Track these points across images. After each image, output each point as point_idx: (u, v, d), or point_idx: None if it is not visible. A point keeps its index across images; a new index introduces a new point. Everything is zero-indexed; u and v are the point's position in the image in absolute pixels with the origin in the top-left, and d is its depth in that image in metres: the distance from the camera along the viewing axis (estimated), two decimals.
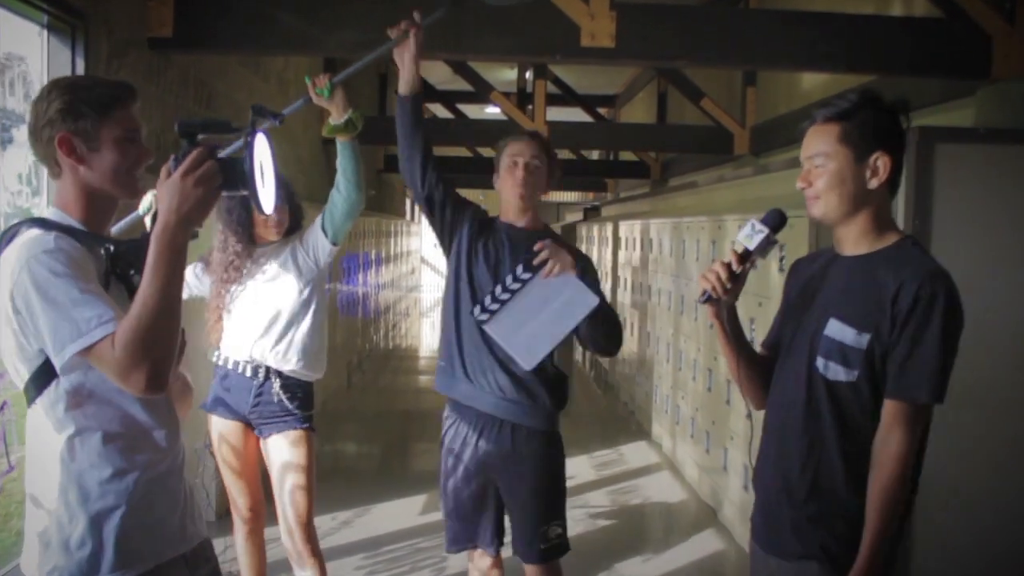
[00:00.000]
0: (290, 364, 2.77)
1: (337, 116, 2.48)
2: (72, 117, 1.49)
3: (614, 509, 4.65)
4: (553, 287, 2.36)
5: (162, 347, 1.36)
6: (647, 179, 9.83)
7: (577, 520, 4.34)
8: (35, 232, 1.46)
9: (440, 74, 9.97)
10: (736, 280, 1.75)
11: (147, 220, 2.80)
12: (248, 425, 2.81)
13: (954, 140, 3.03)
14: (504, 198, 2.55)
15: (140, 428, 1.53)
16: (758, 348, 1.91)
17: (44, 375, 1.46)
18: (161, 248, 1.37)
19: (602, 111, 11.55)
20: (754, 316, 3.74)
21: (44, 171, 3.20)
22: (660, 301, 5.91)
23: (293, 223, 2.84)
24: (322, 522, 4.09)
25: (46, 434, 1.50)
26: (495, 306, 2.37)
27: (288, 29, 3.87)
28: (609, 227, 8.33)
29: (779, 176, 5.29)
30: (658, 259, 6.07)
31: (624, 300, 7.50)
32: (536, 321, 2.35)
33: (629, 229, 7.37)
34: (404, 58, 2.36)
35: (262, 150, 1.46)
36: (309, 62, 6.78)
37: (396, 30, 2.33)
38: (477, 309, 2.38)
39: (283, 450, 2.76)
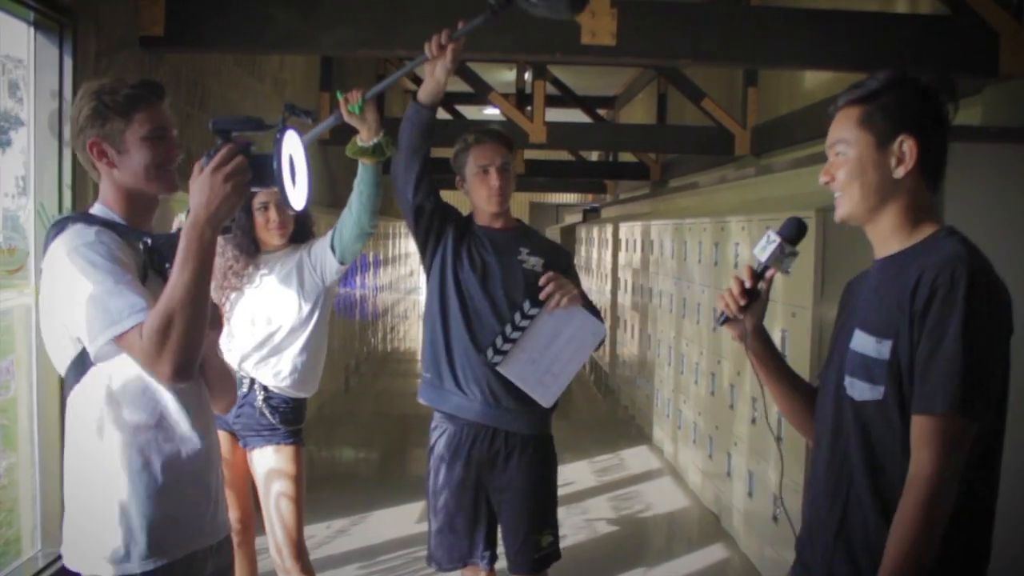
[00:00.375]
0: (276, 380, 2.66)
1: (367, 137, 2.34)
2: (100, 121, 1.55)
3: (615, 516, 4.57)
4: (561, 319, 2.35)
5: (188, 337, 1.40)
6: (647, 180, 9.76)
7: (577, 528, 4.27)
8: (79, 226, 1.53)
9: None
10: (753, 297, 1.61)
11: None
12: (234, 435, 2.71)
13: (964, 139, 2.96)
14: (479, 206, 2.50)
15: (170, 418, 1.57)
16: (813, 380, 1.72)
17: (81, 363, 1.52)
18: (190, 242, 1.41)
19: (601, 112, 11.48)
20: (786, 328, 3.58)
21: (33, 174, 3.15)
22: (661, 303, 5.84)
23: (300, 228, 2.73)
24: (317, 530, 4.03)
25: (81, 423, 1.56)
26: (507, 346, 2.34)
27: (283, 27, 3.80)
28: (609, 229, 8.26)
29: (782, 177, 5.22)
30: (659, 261, 5.99)
31: (624, 302, 7.43)
32: (548, 356, 2.35)
33: (629, 231, 7.30)
34: (436, 69, 2.26)
35: (293, 147, 1.49)
36: (306, 61, 6.71)
37: (433, 44, 2.22)
38: (490, 353, 2.35)
39: (267, 464, 2.67)
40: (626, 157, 10.47)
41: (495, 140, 2.48)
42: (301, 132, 1.51)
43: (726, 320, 1.63)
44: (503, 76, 9.98)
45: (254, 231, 2.66)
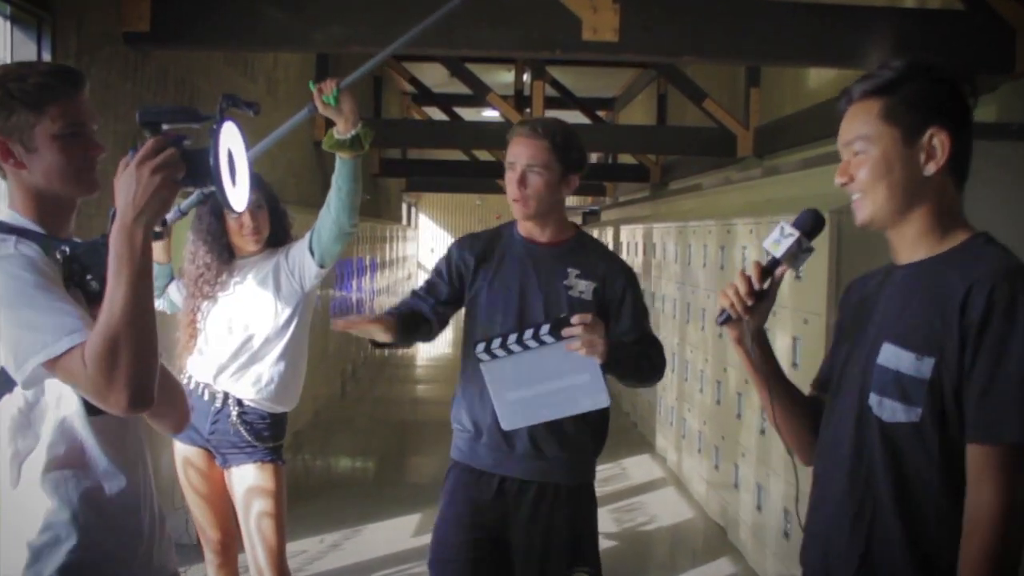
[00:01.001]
0: (251, 394, 2.51)
1: (344, 129, 2.18)
2: (4, 114, 1.33)
3: (617, 530, 4.42)
4: (571, 363, 2.00)
5: (140, 359, 1.21)
6: (647, 183, 9.64)
7: None
8: None
9: (436, 77, 9.81)
10: (760, 297, 1.45)
11: (155, 246, 2.57)
12: (210, 452, 2.57)
13: (985, 136, 2.82)
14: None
15: (90, 453, 1.37)
16: (805, 386, 1.58)
17: None
18: (120, 249, 1.21)
19: (601, 114, 11.36)
20: (798, 335, 3.41)
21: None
22: (664, 308, 5.70)
23: (277, 232, 2.57)
24: (309, 545, 3.89)
25: None
26: (501, 353, 2.03)
27: (273, 24, 3.68)
28: (610, 231, 8.13)
29: (788, 178, 5.09)
30: (662, 264, 5.86)
31: None
32: (536, 389, 2.03)
33: (631, 234, 7.17)
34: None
35: (232, 141, 1.30)
36: (301, 60, 6.59)
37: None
38: (481, 347, 2.03)
39: (247, 482, 2.52)
40: (625, 159, 10.35)
41: (530, 134, 2.07)
42: (241, 125, 1.34)
43: (728, 320, 1.48)
44: (502, 77, 9.88)
45: (226, 236, 2.51)
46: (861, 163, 1.36)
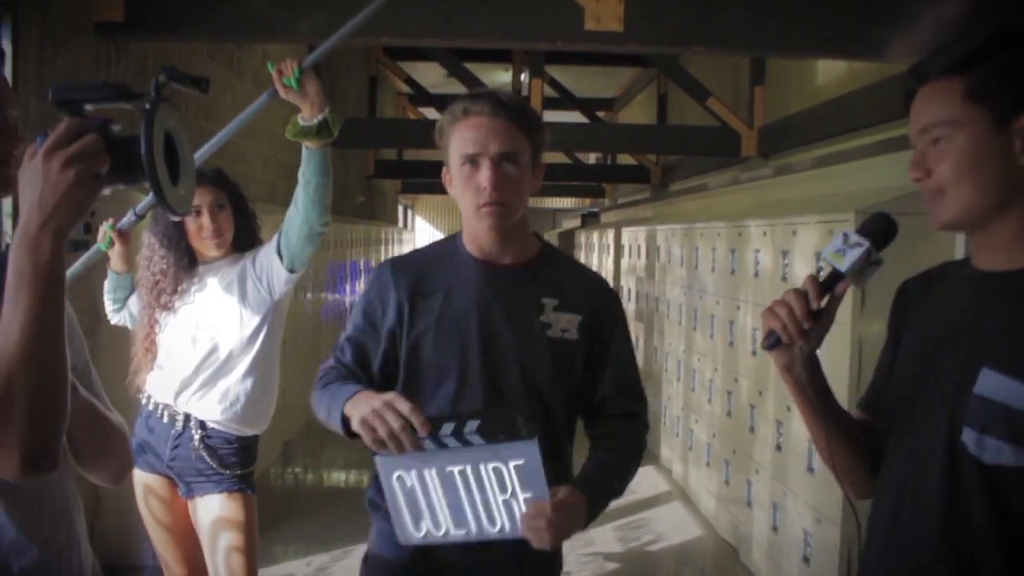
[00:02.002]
0: (215, 415, 2.27)
1: (309, 114, 1.95)
2: None
3: (622, 550, 4.19)
4: (536, 484, 1.42)
5: (39, 408, 0.95)
6: (647, 184, 9.43)
7: (581, 563, 3.91)
8: None
9: (433, 76, 9.61)
10: (817, 318, 1.21)
11: (112, 255, 2.30)
12: (173, 481, 2.33)
13: None
14: (467, 219, 1.56)
15: None
16: (852, 409, 1.37)
17: None
18: (20, 264, 0.94)
19: (600, 115, 11.16)
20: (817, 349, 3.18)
21: None
22: (669, 314, 5.48)
23: (243, 234, 2.32)
24: (296, 568, 3.66)
25: None
26: (451, 442, 1.41)
27: (255, 12, 3.47)
28: (610, 233, 7.91)
29: (798, 178, 4.89)
30: (666, 268, 5.64)
31: (628, 311, 7.07)
32: (455, 498, 1.45)
33: (633, 236, 6.95)
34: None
35: (174, 127, 1.03)
36: (290, 54, 6.37)
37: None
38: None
39: (213, 514, 2.28)
40: (625, 159, 10.14)
41: (495, 111, 1.50)
42: (174, 108, 1.07)
43: (777, 343, 1.23)
44: (499, 77, 9.69)
45: (185, 240, 2.27)
46: (942, 154, 1.14)
